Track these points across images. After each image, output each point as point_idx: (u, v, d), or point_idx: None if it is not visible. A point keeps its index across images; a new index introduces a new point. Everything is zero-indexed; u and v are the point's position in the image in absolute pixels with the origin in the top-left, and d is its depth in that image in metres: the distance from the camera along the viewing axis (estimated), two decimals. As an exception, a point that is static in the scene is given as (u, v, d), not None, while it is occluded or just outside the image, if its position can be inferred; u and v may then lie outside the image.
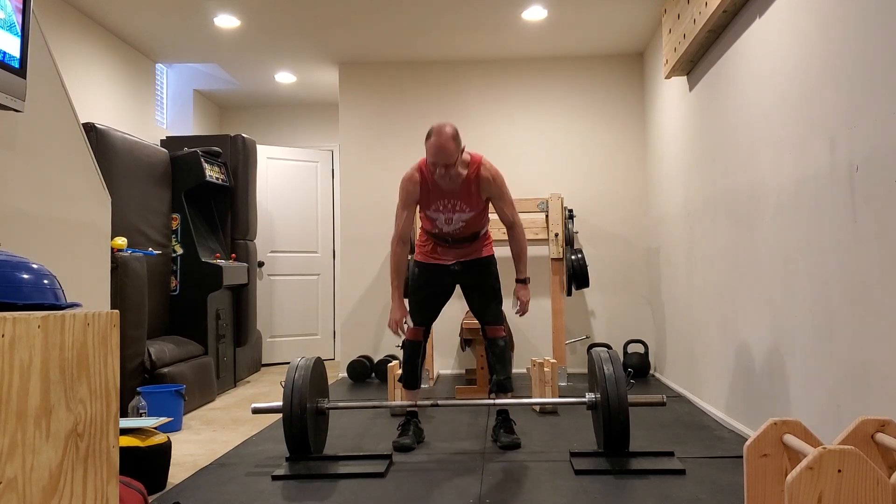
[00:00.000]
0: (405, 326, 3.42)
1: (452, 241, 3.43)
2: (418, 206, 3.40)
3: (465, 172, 3.26)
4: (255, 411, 3.24)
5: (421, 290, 3.48)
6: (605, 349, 3.27)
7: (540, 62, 5.95)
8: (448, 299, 3.52)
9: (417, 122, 5.98)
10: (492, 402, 3.28)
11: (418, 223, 5.40)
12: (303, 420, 3.09)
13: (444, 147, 3.12)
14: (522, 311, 3.47)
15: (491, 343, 3.43)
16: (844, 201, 2.45)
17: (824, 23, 2.60)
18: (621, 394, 3.05)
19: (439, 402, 3.28)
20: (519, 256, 3.45)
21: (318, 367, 3.34)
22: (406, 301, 3.47)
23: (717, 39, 3.86)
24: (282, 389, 5.23)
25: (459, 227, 3.37)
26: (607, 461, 2.97)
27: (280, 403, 3.18)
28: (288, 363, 6.69)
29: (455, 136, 3.15)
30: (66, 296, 1.74)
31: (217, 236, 5.40)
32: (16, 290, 1.57)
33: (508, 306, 4.01)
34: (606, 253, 5.85)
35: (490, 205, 3.39)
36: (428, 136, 3.17)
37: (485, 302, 3.45)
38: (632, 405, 3.12)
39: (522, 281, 3.47)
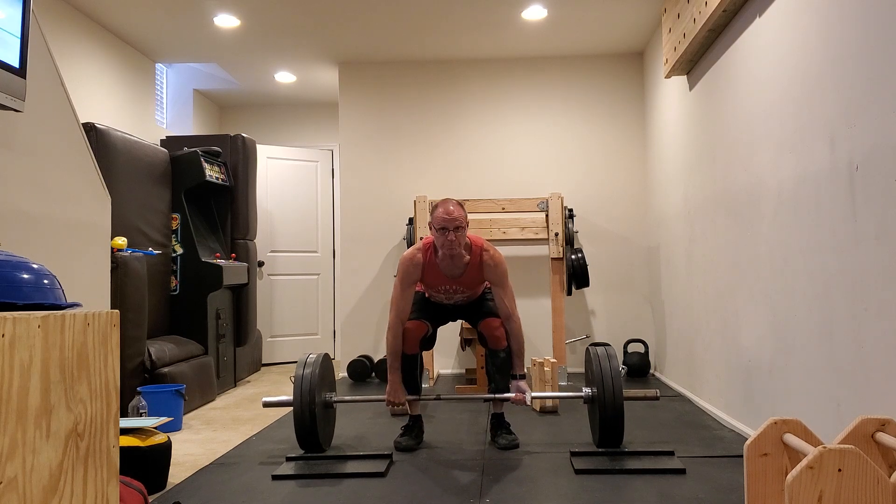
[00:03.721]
0: (406, 406, 3.39)
1: (449, 302, 3.51)
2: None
3: (467, 257, 3.28)
4: (266, 405, 3.34)
5: (422, 307, 3.49)
6: (603, 346, 3.32)
7: (540, 62, 5.95)
8: (447, 320, 3.58)
9: (417, 121, 5.98)
10: (492, 396, 3.32)
11: (418, 220, 5.37)
12: (312, 413, 3.16)
13: (452, 211, 3.14)
14: (519, 401, 3.28)
15: (492, 354, 3.41)
16: (844, 200, 2.45)
17: (824, 22, 2.60)
18: (617, 388, 3.12)
19: (441, 395, 3.37)
20: (517, 352, 3.32)
21: (326, 362, 3.40)
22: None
23: (717, 39, 3.86)
24: (281, 389, 5.26)
25: (459, 300, 3.45)
26: (607, 460, 2.98)
27: (290, 398, 3.25)
28: (288, 363, 6.71)
29: (461, 203, 3.19)
30: (66, 296, 1.74)
31: (217, 236, 5.40)
32: (16, 290, 1.57)
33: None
34: (606, 252, 5.85)
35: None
36: (434, 209, 3.19)
37: (476, 309, 3.49)
38: (626, 399, 3.20)
39: (520, 377, 3.32)
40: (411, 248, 3.34)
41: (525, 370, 3.34)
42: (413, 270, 3.29)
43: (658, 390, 3.38)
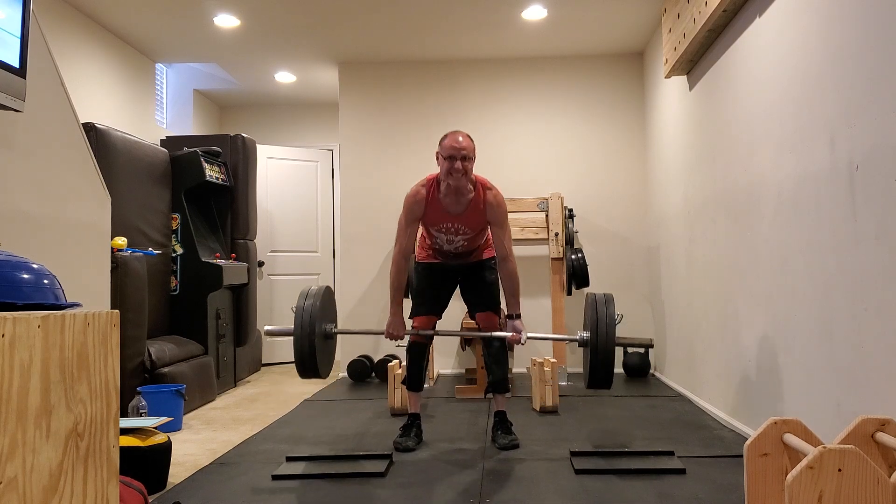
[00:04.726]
0: (405, 337, 3.41)
1: (452, 257, 3.48)
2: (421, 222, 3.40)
3: (471, 194, 3.27)
4: (268, 333, 3.47)
5: (425, 291, 3.50)
6: (603, 294, 3.32)
7: (540, 62, 5.95)
8: (452, 292, 3.56)
9: (417, 121, 5.98)
10: (487, 334, 3.35)
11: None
12: (312, 343, 3.20)
13: (461, 141, 3.15)
14: (514, 340, 3.27)
15: (487, 343, 3.44)
16: (844, 200, 2.45)
17: (824, 22, 2.60)
18: (610, 332, 3.15)
19: (439, 331, 3.43)
20: (512, 292, 3.30)
21: (328, 295, 3.42)
22: (408, 302, 3.49)
23: (717, 39, 3.86)
24: (281, 388, 5.26)
25: (460, 245, 3.41)
26: (607, 460, 2.98)
27: (290, 328, 3.32)
28: (288, 363, 6.70)
29: (469, 136, 3.21)
30: (66, 296, 1.74)
31: (217, 236, 5.40)
32: (16, 290, 1.57)
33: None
34: (606, 252, 5.85)
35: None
36: (442, 140, 3.20)
37: (477, 288, 3.48)
38: (618, 344, 3.21)
39: (516, 316, 3.31)
40: (415, 185, 3.33)
41: (520, 311, 3.34)
42: (416, 207, 3.28)
43: (652, 339, 3.40)
